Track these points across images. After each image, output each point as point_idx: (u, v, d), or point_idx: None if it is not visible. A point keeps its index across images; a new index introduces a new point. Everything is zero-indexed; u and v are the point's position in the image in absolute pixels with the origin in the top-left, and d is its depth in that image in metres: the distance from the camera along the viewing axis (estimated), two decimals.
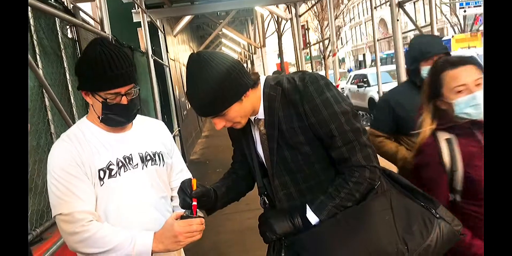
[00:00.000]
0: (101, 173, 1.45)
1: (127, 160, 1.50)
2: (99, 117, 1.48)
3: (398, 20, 3.82)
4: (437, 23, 7.24)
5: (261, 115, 1.45)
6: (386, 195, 1.40)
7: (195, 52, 1.37)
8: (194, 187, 1.40)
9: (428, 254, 1.32)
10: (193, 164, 8.30)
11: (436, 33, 6.08)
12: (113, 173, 1.46)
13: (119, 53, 1.43)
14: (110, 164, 1.46)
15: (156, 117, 6.13)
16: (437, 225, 1.36)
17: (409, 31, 8.97)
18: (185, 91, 1.39)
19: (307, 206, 1.41)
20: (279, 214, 1.45)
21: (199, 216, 1.43)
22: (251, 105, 1.41)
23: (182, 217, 1.41)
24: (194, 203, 1.40)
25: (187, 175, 1.71)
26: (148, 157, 1.56)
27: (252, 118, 1.47)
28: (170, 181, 1.65)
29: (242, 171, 1.64)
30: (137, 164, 1.52)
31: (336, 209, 1.37)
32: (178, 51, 11.09)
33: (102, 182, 1.45)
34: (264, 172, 1.54)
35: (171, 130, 7.72)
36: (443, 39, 23.75)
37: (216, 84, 1.29)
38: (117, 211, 1.47)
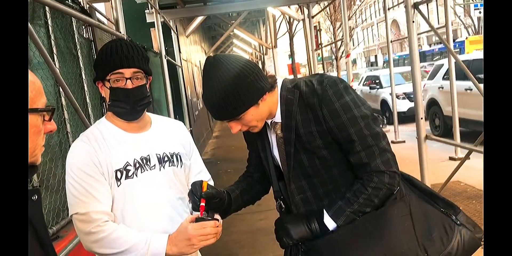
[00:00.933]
0: (118, 173, 1.45)
1: (144, 161, 1.50)
2: (111, 110, 1.50)
3: (413, 21, 3.77)
4: (452, 24, 7.17)
5: (278, 118, 1.43)
6: (405, 200, 1.38)
7: (208, 53, 1.41)
8: (204, 189, 1.39)
9: None
10: (204, 164, 8.30)
11: (451, 34, 6.04)
12: (130, 174, 1.46)
13: (130, 44, 1.48)
14: (127, 165, 1.46)
15: (169, 117, 6.16)
16: (458, 232, 1.34)
17: (423, 32, 8.90)
18: (200, 93, 1.40)
19: (325, 212, 1.38)
20: (296, 219, 1.42)
21: (214, 219, 1.40)
22: (268, 109, 1.39)
23: (197, 220, 1.39)
24: (202, 204, 1.38)
25: (206, 176, 1.70)
26: (166, 158, 1.55)
27: (269, 121, 1.46)
28: (188, 183, 1.64)
29: (257, 174, 1.63)
30: (154, 165, 1.52)
31: (354, 215, 1.35)
32: (190, 52, 11.14)
33: (119, 183, 1.45)
34: (280, 176, 1.52)
35: None
36: (457, 40, 23.59)
37: (232, 88, 1.28)
38: (134, 212, 1.47)
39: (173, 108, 6.34)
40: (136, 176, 1.47)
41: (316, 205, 1.44)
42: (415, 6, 3.78)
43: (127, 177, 1.46)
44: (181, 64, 8.39)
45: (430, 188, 1.44)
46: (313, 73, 8.50)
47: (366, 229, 1.33)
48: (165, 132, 1.61)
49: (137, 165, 1.48)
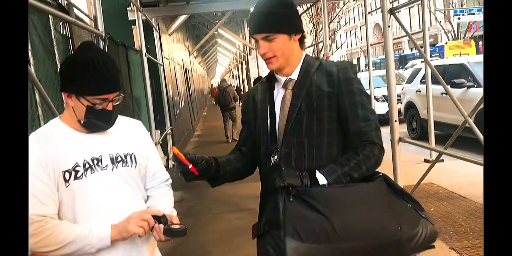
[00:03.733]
0: (66, 174, 1.42)
1: (95, 162, 1.48)
2: (79, 121, 1.46)
3: (389, 26, 3.86)
4: (429, 30, 7.31)
5: (294, 76, 1.59)
6: (384, 185, 1.51)
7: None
8: (181, 155, 1.49)
9: (411, 243, 1.42)
10: None
11: (428, 40, 6.18)
12: (78, 175, 1.44)
13: (109, 59, 1.46)
14: (76, 166, 1.44)
15: (149, 115, 6.14)
16: (422, 223, 1.48)
17: (402, 37, 9.05)
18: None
19: (316, 170, 1.47)
20: (290, 168, 1.49)
21: (180, 229, 1.47)
22: (292, 53, 1.57)
23: (165, 230, 1.45)
24: (191, 166, 1.48)
25: (164, 176, 1.68)
26: (119, 158, 1.53)
27: (283, 79, 1.60)
28: (146, 182, 1.63)
29: (245, 147, 1.72)
30: (106, 165, 1.49)
31: (343, 177, 1.45)
32: (173, 50, 11.10)
33: (67, 184, 1.42)
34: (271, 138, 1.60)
35: (164, 129, 7.73)
36: (437, 45, 24.00)
37: (288, 6, 1.53)
38: (86, 214, 1.44)
39: (154, 106, 6.32)
40: (86, 177, 1.45)
41: (295, 163, 1.53)
42: (391, 11, 3.87)
43: (76, 178, 1.43)
44: (162, 62, 8.36)
45: (402, 188, 1.56)
46: None
47: (357, 190, 1.44)
48: (121, 132, 1.59)
49: (87, 165, 1.46)
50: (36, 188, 1.36)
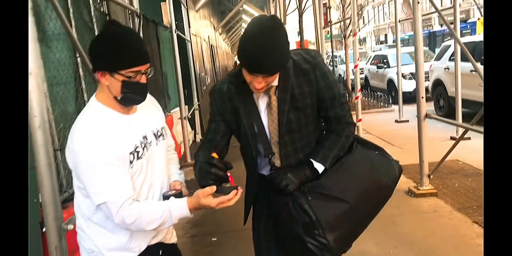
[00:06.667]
0: (131, 156, 1.49)
1: (145, 139, 1.56)
2: (115, 98, 1.49)
3: (418, 2, 3.85)
4: (460, 5, 7.14)
5: (275, 82, 1.64)
6: (360, 149, 1.79)
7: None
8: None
9: (394, 184, 1.80)
10: None
11: (459, 16, 6.06)
12: (140, 154, 1.52)
13: (134, 32, 1.51)
14: (137, 147, 1.51)
15: (178, 92, 6.30)
16: (392, 164, 1.81)
17: (431, 13, 8.84)
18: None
19: (312, 160, 1.70)
20: (291, 169, 1.69)
21: (234, 187, 1.50)
22: None
23: (218, 190, 1.48)
24: (229, 174, 1.51)
25: (171, 141, 1.81)
26: (159, 133, 1.64)
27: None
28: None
29: (223, 142, 1.80)
30: (151, 141, 1.59)
31: (334, 159, 1.71)
32: (199, 27, 11.16)
33: (131, 165, 1.49)
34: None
35: (191, 104, 7.90)
36: (469, 21, 23.16)
37: (285, 47, 1.51)
38: (143, 189, 1.55)
39: (182, 83, 6.47)
40: (144, 155, 1.54)
41: (294, 158, 1.74)
42: None
43: (138, 158, 1.51)
44: (190, 39, 8.46)
45: (366, 140, 1.88)
46: (321, 50, 8.55)
47: (347, 169, 1.72)
48: (150, 108, 1.67)
49: (143, 145, 1.54)
50: (120, 175, 1.44)
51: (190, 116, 7.27)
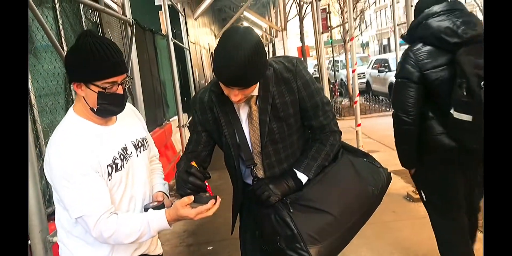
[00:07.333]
0: (109, 168, 1.46)
1: (125, 151, 1.53)
2: (92, 109, 1.46)
3: (412, 6, 3.83)
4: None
5: (255, 92, 1.60)
6: (345, 157, 1.74)
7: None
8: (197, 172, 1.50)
9: (383, 192, 1.75)
10: None
11: None
12: (118, 166, 1.49)
13: (111, 43, 1.47)
14: (115, 159, 1.48)
15: (176, 99, 6.31)
16: (380, 172, 1.75)
17: None
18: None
19: (295, 170, 1.66)
20: (274, 180, 1.65)
21: (212, 197, 1.47)
22: None
23: (196, 199, 1.45)
24: (207, 183, 1.50)
25: (156, 151, 1.80)
26: (139, 144, 1.62)
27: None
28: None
29: (205, 152, 1.77)
30: (131, 152, 1.56)
31: (319, 169, 1.66)
32: (198, 34, 11.22)
33: (110, 177, 1.47)
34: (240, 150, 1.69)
35: (190, 112, 7.91)
36: None
37: (259, 59, 1.43)
38: (122, 201, 1.52)
39: (181, 90, 6.48)
40: (124, 167, 1.51)
41: (278, 168, 1.70)
42: None
43: (116, 170, 1.48)
44: (188, 47, 8.49)
45: (353, 147, 1.84)
46: (320, 56, 8.54)
47: (331, 179, 1.66)
48: (130, 119, 1.65)
49: (122, 157, 1.51)
50: (96, 187, 1.42)
51: (188, 124, 7.27)
